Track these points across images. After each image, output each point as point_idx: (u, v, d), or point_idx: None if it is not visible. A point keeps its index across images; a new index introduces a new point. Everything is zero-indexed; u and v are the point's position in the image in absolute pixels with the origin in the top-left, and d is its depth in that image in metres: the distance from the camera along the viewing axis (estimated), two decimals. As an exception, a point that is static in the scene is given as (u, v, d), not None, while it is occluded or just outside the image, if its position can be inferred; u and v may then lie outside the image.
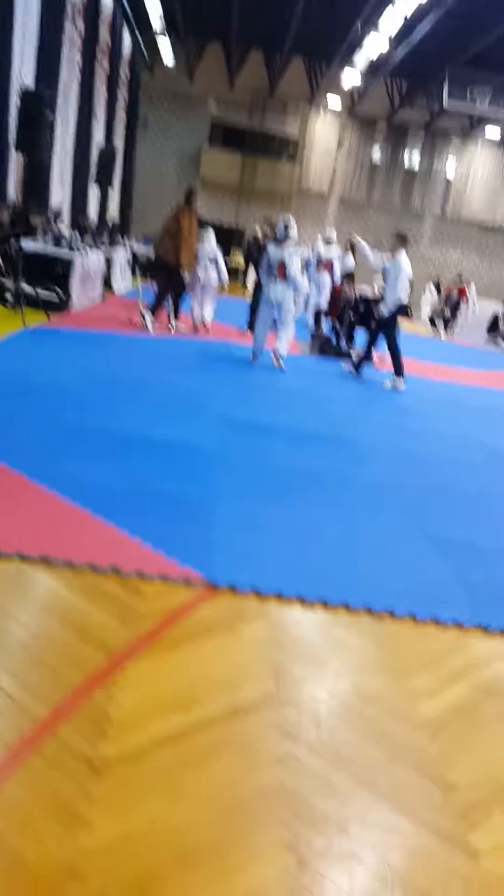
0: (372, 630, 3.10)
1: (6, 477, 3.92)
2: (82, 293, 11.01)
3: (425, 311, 22.63)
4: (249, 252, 13.62)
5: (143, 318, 10.16)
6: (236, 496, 4.31)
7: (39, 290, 9.32)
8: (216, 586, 3.16)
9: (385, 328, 9.46)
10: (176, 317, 10.74)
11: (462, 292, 21.31)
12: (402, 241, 9.37)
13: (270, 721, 2.37)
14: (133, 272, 16.67)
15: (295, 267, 8.79)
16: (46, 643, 2.58)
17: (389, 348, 9.49)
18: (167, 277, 10.20)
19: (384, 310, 9.24)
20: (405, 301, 9.30)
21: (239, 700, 2.45)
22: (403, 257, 9.15)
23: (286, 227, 8.77)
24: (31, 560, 3.08)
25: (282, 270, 8.72)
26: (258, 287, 11.45)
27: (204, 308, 11.09)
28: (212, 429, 5.73)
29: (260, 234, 12.46)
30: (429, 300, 22.64)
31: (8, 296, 9.26)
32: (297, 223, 9.13)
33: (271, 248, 8.92)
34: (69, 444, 4.71)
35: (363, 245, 9.96)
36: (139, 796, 1.98)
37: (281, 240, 8.84)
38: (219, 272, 10.97)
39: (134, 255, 17.30)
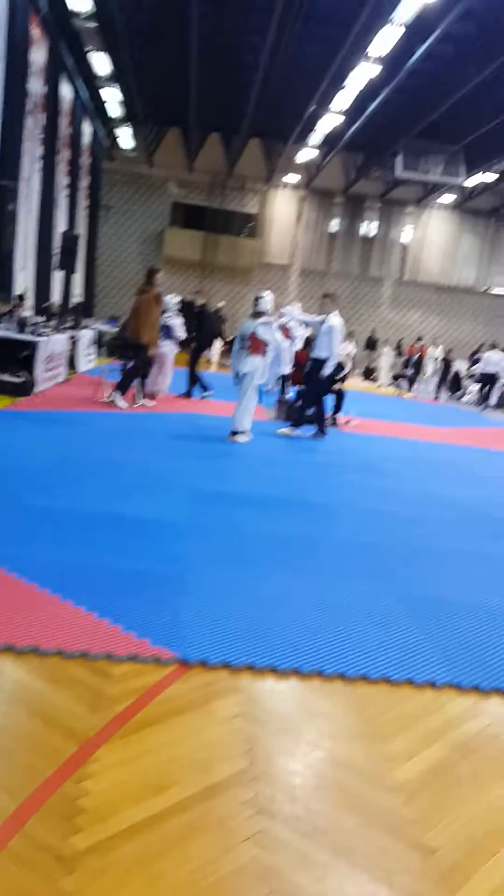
0: (346, 696, 3.09)
1: (-27, 566, 3.89)
2: (47, 375, 11.13)
3: (385, 372, 23.13)
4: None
5: (113, 398, 10.27)
6: (206, 569, 4.31)
7: (4, 376, 9.41)
8: (188, 663, 3.14)
9: (320, 386, 9.74)
10: (143, 393, 10.85)
11: (423, 352, 21.80)
12: (332, 301, 9.66)
13: (244, 798, 2.34)
14: (98, 352, 16.93)
15: (269, 335, 8.92)
16: (13, 735, 2.54)
17: (315, 403, 9.82)
18: (134, 356, 10.35)
19: (325, 370, 9.51)
20: (340, 359, 9.65)
21: (212, 779, 2.42)
22: (335, 317, 9.46)
23: (257, 300, 8.99)
24: (-2, 649, 3.05)
25: (253, 342, 8.84)
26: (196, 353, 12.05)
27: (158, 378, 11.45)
28: (180, 502, 5.74)
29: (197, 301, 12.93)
30: (387, 362, 23.19)
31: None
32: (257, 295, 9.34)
33: (245, 322, 9.10)
34: (34, 527, 4.69)
35: (293, 311, 10.25)
36: (114, 888, 1.94)
37: (254, 313, 8.99)
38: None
39: (99, 335, 17.58)
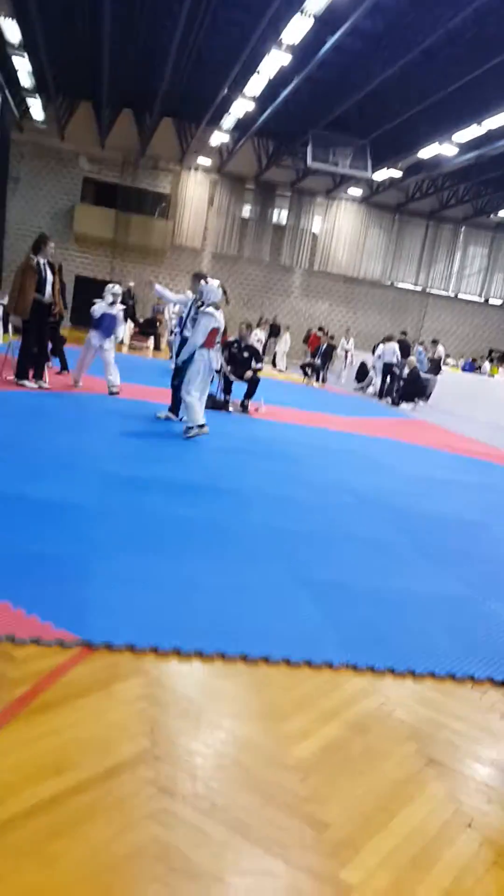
0: (248, 677, 3.16)
1: None
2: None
3: (281, 356, 23.53)
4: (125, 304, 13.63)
5: (17, 379, 9.99)
6: (113, 551, 4.31)
7: None
8: (92, 645, 3.14)
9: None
10: (39, 371, 10.35)
11: (317, 341, 22.06)
12: (197, 280, 9.07)
13: (146, 778, 2.38)
14: (5, 328, 16.41)
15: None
16: None
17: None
18: (24, 329, 10.03)
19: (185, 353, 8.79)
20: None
21: (114, 760, 2.45)
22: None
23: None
24: None
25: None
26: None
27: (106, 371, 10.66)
28: (88, 485, 5.69)
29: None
30: (284, 348, 23.66)
31: None
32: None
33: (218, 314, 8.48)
34: None
35: (161, 289, 9.91)
36: (10, 868, 1.94)
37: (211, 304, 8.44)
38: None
39: (5, 311, 17.05)
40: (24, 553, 4.04)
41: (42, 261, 9.93)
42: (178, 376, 8.98)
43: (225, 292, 8.76)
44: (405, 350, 19.63)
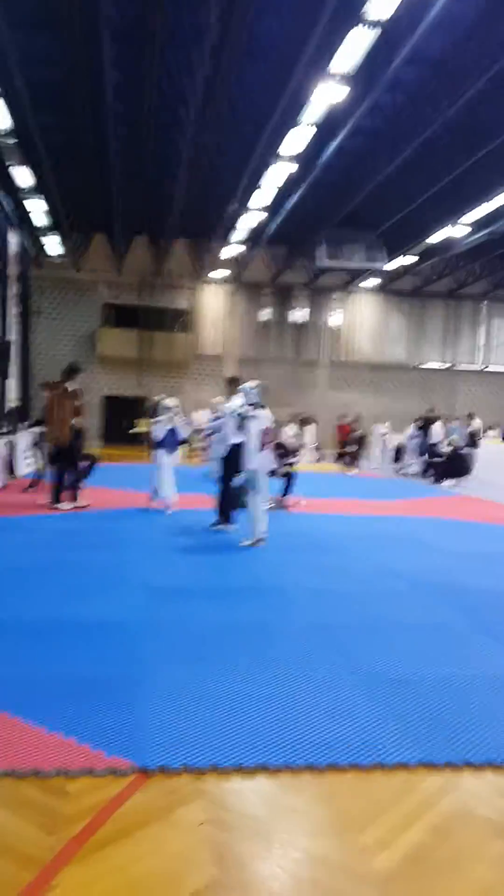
0: (317, 788, 2.97)
1: None
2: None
3: (307, 449, 23.48)
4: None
5: (53, 503, 10.09)
6: (160, 668, 4.17)
7: None
8: (147, 771, 2.99)
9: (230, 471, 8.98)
10: (74, 493, 10.45)
11: (347, 429, 21.91)
12: (233, 384, 8.97)
13: (217, 912, 2.19)
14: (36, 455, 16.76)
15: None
16: (-37, 870, 2.35)
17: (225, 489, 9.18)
18: (57, 457, 10.29)
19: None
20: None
21: (184, 893, 2.27)
22: (235, 399, 8.88)
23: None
24: None
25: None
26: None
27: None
28: (129, 600, 5.59)
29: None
30: (308, 439, 23.64)
31: None
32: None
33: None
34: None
35: (206, 427, 9.72)
36: None
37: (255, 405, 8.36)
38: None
39: (39, 439, 17.44)
40: (72, 678, 3.93)
41: (75, 387, 10.28)
42: (225, 483, 8.96)
43: (265, 389, 8.64)
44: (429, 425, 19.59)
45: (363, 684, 4.06)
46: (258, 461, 8.21)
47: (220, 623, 5.12)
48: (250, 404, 8.35)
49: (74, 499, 10.35)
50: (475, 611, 5.77)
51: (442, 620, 5.47)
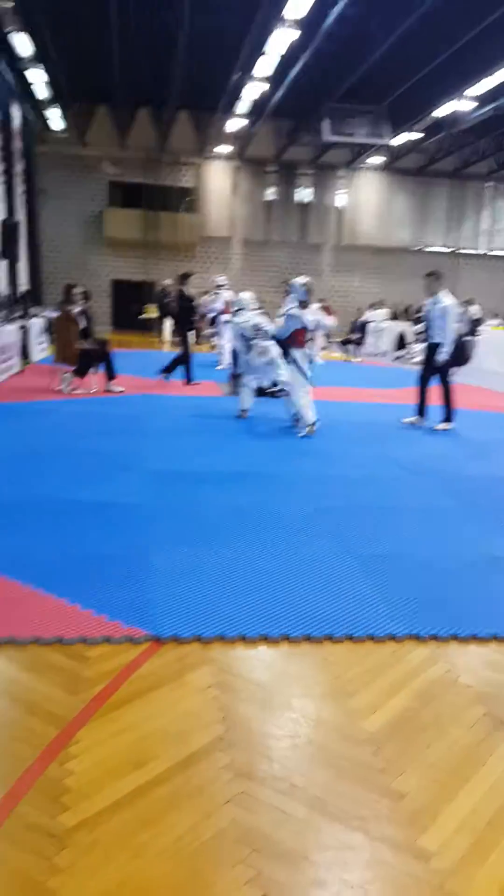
0: (314, 657, 3.22)
1: None
2: (0, 367, 11.02)
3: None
4: (162, 303, 13.74)
5: (63, 382, 10.26)
6: (170, 546, 4.40)
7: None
8: (160, 639, 3.24)
9: (436, 372, 9.28)
10: (110, 378, 10.84)
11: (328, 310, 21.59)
12: (437, 280, 9.41)
13: (222, 763, 2.46)
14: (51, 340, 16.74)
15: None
16: (-5, 724, 2.63)
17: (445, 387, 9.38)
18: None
19: (440, 355, 9.01)
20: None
21: (190, 749, 2.53)
22: (446, 296, 9.26)
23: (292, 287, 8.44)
24: (-28, 644, 3.12)
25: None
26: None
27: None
28: (141, 484, 5.82)
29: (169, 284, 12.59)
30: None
31: None
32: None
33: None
34: (-1, 520, 4.75)
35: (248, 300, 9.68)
36: (103, 860, 2.04)
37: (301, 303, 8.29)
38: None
39: (49, 323, 17.35)
40: (88, 555, 4.18)
41: (77, 310, 10.47)
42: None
43: (309, 289, 8.43)
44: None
45: (357, 563, 4.30)
46: (300, 355, 8.30)
47: (223, 506, 5.34)
48: (300, 302, 8.30)
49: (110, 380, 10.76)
50: (466, 496, 6.01)
51: (436, 505, 5.71)
